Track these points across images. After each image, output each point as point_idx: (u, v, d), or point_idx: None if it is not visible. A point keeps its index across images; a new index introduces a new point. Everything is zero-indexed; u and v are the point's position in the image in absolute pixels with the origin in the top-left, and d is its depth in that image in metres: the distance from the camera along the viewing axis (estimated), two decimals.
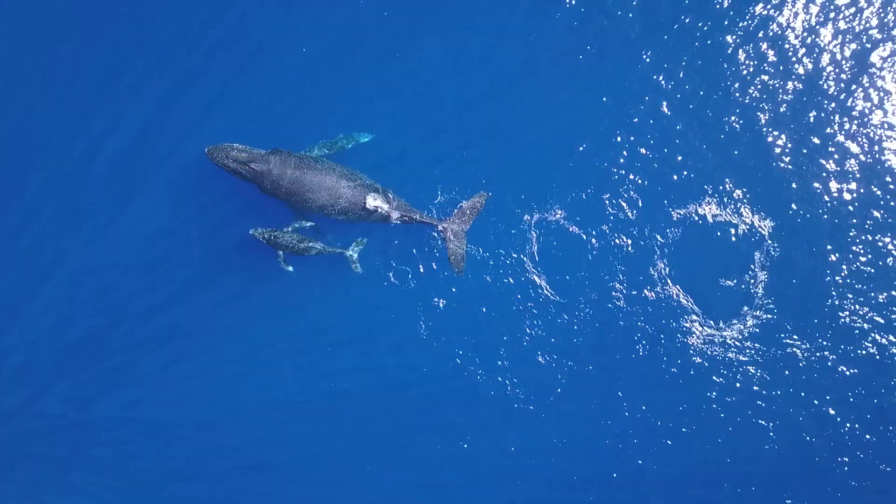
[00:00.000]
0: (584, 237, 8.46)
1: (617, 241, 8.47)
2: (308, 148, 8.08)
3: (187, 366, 8.70)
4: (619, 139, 8.50)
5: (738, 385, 8.49)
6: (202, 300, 8.62)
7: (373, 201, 7.75)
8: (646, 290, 8.48)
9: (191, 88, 8.43)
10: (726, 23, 8.46)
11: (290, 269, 8.15)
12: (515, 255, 8.47)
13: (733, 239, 8.45)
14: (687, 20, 8.47)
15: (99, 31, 8.44)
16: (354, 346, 8.65)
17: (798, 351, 8.43)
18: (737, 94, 8.47)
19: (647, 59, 8.48)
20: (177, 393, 8.70)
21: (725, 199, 8.44)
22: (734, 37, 8.45)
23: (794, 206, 8.43)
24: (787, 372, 8.47)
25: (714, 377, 8.51)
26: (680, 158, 8.47)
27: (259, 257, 8.38)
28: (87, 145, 8.45)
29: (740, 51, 8.46)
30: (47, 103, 8.44)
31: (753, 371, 8.47)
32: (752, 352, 8.47)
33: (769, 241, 8.42)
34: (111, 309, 8.61)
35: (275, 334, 8.64)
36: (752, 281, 8.45)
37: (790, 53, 8.44)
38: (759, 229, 8.42)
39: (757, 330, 8.45)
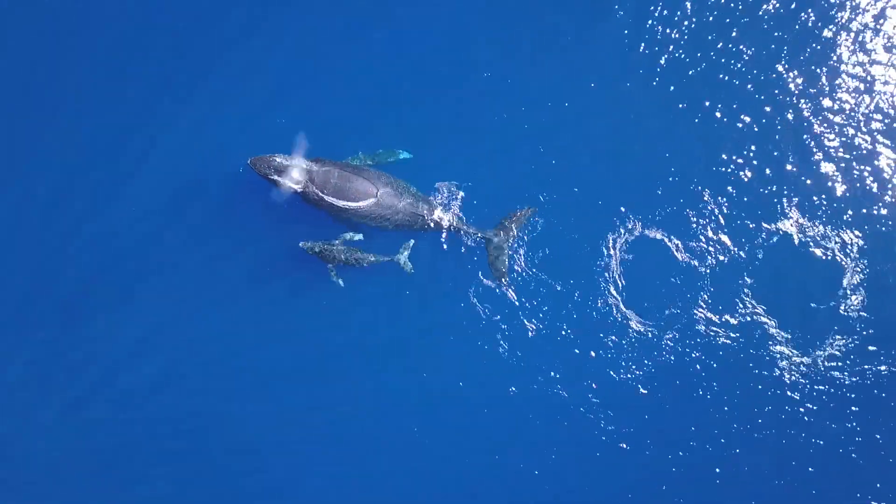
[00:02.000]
0: (666, 254, 8.15)
1: (699, 260, 8.15)
2: (351, 157, 8.01)
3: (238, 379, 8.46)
4: (699, 152, 8.26)
5: (826, 414, 8.08)
6: (250, 308, 8.43)
7: (426, 210, 7.71)
8: (731, 314, 8.14)
9: (234, 98, 8.42)
10: (815, 31, 8.26)
11: (341, 282, 8.00)
12: (593, 275, 8.18)
13: (823, 257, 8.09)
14: (772, 31, 8.29)
15: (142, 43, 8.46)
16: (430, 360, 8.39)
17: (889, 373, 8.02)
18: (827, 108, 8.20)
19: (728, 72, 8.26)
20: (223, 399, 8.47)
21: (813, 215, 8.12)
22: (825, 48, 8.23)
23: (888, 222, 8.08)
24: (883, 394, 8.03)
25: (802, 402, 8.12)
26: (768, 172, 8.20)
27: (309, 269, 8.18)
28: (133, 157, 8.42)
29: (835, 62, 8.22)
30: (94, 118, 8.42)
31: (844, 398, 8.05)
32: (842, 378, 8.06)
33: (859, 260, 8.05)
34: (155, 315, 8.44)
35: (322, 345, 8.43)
36: (842, 303, 8.07)
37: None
38: (850, 248, 8.06)
39: (848, 355, 8.05)
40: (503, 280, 8.01)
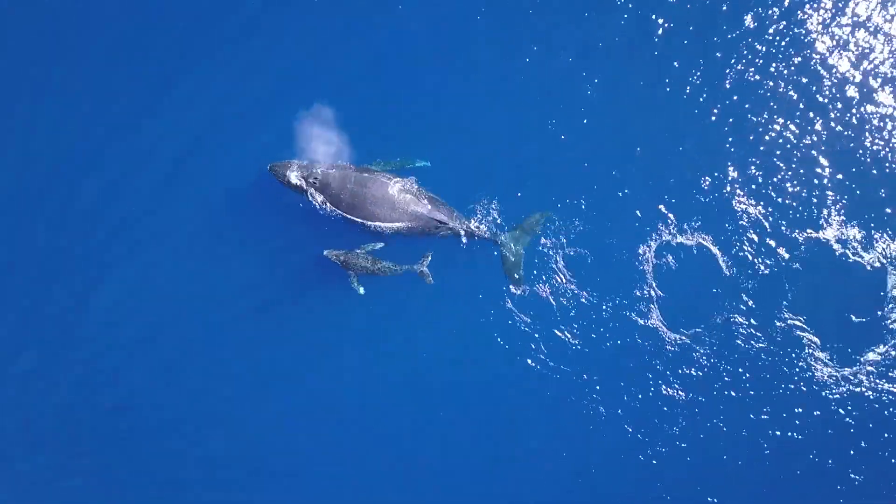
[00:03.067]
0: (702, 262, 8.03)
1: (737, 267, 8.02)
2: (369, 164, 7.99)
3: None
4: (737, 159, 8.11)
5: (866, 423, 7.97)
6: (272, 314, 8.43)
7: (442, 215, 7.69)
8: (769, 323, 8.01)
9: (255, 104, 8.41)
10: (854, 35, 8.09)
11: (361, 290, 7.97)
12: (630, 282, 8.08)
13: (865, 266, 7.95)
14: (809, 34, 8.12)
15: (158, 50, 8.44)
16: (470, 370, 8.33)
17: None
18: (870, 114, 8.03)
19: (766, 75, 8.11)
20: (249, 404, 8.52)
21: (854, 223, 7.97)
22: (864, 52, 8.06)
23: None
24: None
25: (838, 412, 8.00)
26: (808, 178, 8.05)
27: (330, 276, 8.20)
28: (156, 163, 8.42)
29: (876, 66, 8.04)
30: (112, 117, 8.40)
31: (884, 408, 7.94)
32: (882, 388, 7.93)
33: None
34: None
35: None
36: (884, 313, 7.93)
37: None
38: (892, 257, 7.92)
39: (890, 367, 7.92)
40: (518, 284, 7.98)
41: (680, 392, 8.10)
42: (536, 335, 8.11)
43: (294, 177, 7.69)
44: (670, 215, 8.06)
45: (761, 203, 8.04)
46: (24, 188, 8.39)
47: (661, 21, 8.16)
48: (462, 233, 7.82)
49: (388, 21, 8.39)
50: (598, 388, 8.14)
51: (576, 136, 8.19)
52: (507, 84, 8.31)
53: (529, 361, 8.13)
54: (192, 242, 8.40)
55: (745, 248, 8.02)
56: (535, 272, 8.10)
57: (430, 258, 7.91)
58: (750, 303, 8.00)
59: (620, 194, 8.13)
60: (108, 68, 8.38)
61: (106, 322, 8.44)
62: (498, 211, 8.04)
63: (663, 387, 8.10)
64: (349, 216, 7.76)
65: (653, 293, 8.04)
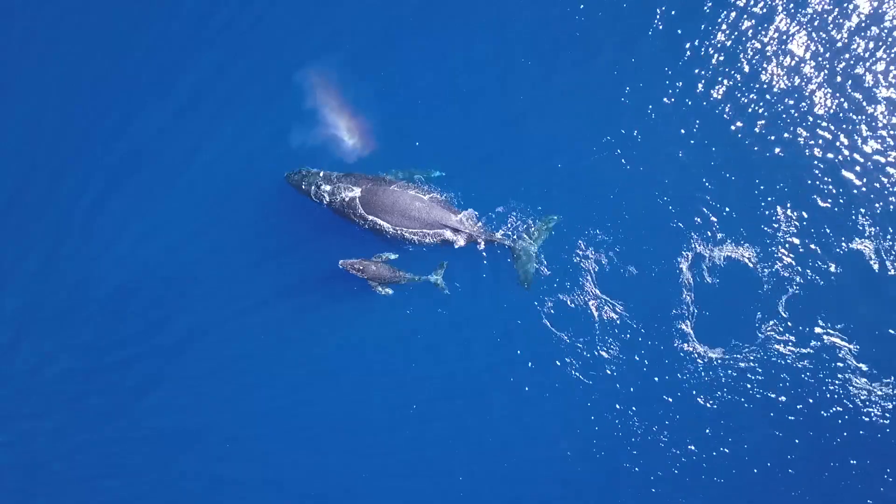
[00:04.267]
0: (739, 273, 7.91)
1: (773, 279, 7.89)
2: (385, 173, 8.09)
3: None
4: (772, 170, 8.01)
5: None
6: (287, 319, 8.59)
7: (455, 222, 7.73)
8: (806, 336, 7.83)
9: (272, 113, 8.59)
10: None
11: (389, 291, 8.06)
12: (665, 292, 8.02)
13: None
14: (849, 47, 8.03)
15: (179, 62, 8.71)
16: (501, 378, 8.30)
17: None
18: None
19: (805, 81, 8.04)
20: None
21: (890, 235, 7.76)
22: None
23: None
24: None
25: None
26: (845, 190, 7.89)
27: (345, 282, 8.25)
28: (175, 168, 8.68)
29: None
30: (136, 124, 8.69)
31: None
32: None
33: None
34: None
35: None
36: None
37: None
38: None
39: None
40: (529, 286, 8.00)
41: (713, 404, 7.94)
42: (573, 347, 8.09)
43: (306, 184, 7.89)
44: (713, 218, 7.98)
45: (797, 214, 7.91)
46: (57, 195, 8.71)
47: (692, 32, 8.18)
48: (475, 239, 7.87)
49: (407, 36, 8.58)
50: (630, 400, 8.07)
51: (607, 144, 8.19)
52: (538, 91, 8.34)
53: (574, 373, 8.09)
54: (205, 247, 8.62)
55: (780, 260, 7.89)
56: (567, 283, 8.08)
57: (444, 268, 7.99)
58: (785, 315, 7.85)
59: (659, 201, 8.09)
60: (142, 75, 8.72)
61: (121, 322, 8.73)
62: (519, 216, 8.11)
63: (699, 398, 7.96)
64: (362, 224, 7.87)
65: (688, 305, 7.94)
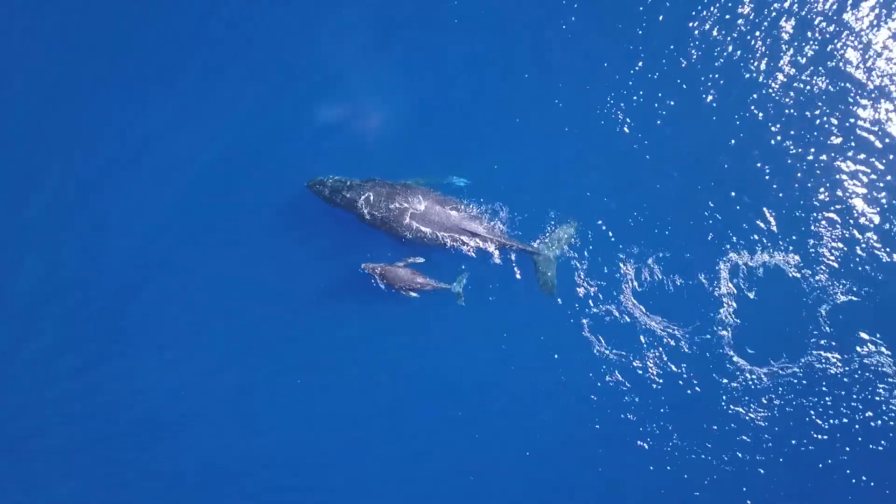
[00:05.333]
0: (780, 284, 7.74)
1: (816, 291, 7.72)
2: (406, 179, 8.00)
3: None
4: (810, 177, 7.78)
5: None
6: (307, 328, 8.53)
7: (475, 227, 7.70)
8: (849, 350, 7.69)
9: (296, 119, 8.45)
10: None
11: (413, 294, 7.92)
12: (704, 303, 7.87)
13: None
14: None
15: (202, 68, 8.54)
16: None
17: None
18: None
19: (843, 88, 7.78)
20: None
21: None
22: None
23: None
24: None
25: None
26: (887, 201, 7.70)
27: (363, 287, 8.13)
28: (194, 172, 8.55)
29: None
30: (160, 131, 8.53)
31: None
32: None
33: None
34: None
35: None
36: None
37: None
38: None
39: None
40: (552, 293, 7.93)
41: (755, 418, 7.87)
42: (613, 359, 7.98)
43: (329, 191, 7.87)
44: (760, 224, 7.82)
45: (839, 224, 7.72)
46: (92, 201, 8.60)
47: (732, 36, 7.89)
48: (494, 247, 7.80)
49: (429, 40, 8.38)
50: (668, 415, 7.98)
51: (642, 150, 7.99)
52: (575, 95, 8.10)
53: (613, 380, 8.00)
54: (223, 255, 8.52)
55: (823, 270, 7.70)
56: (601, 295, 7.94)
57: (466, 278, 7.87)
58: (828, 330, 7.69)
59: (707, 212, 7.90)
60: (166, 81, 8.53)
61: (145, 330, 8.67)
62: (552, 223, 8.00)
63: (740, 411, 7.87)
64: (384, 228, 7.83)
65: (728, 317, 7.80)
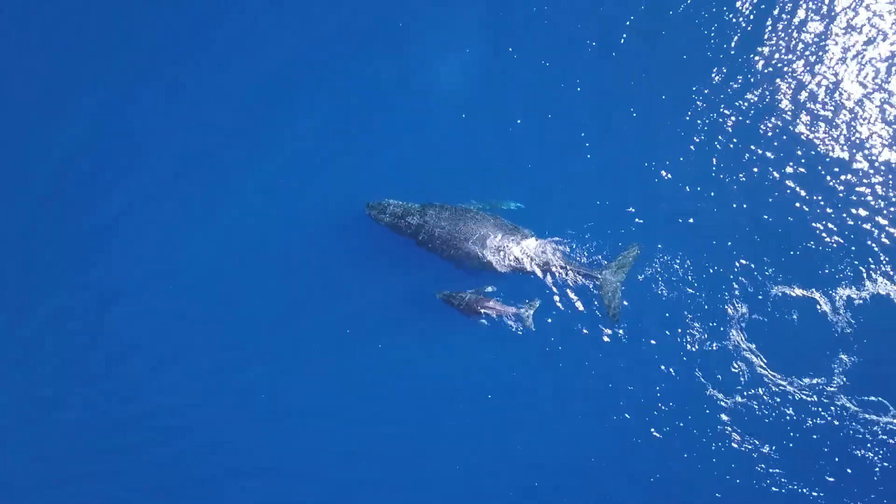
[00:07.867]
0: (801, 313, 7.93)
1: (836, 320, 7.91)
2: (463, 204, 8.07)
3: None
4: (835, 203, 7.99)
5: None
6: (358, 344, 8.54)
7: (537, 252, 7.80)
8: (868, 382, 7.87)
9: (351, 145, 8.54)
10: None
11: (485, 322, 7.95)
12: (726, 329, 8.03)
13: None
14: None
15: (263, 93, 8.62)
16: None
17: None
18: None
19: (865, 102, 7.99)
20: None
21: None
22: None
23: None
24: None
25: None
26: None
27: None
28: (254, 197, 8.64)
29: None
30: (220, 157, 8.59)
31: None
32: None
33: None
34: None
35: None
36: None
37: None
38: None
39: None
40: (617, 318, 8.00)
41: (786, 450, 7.98)
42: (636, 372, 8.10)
43: (388, 216, 7.92)
44: (764, 264, 8.01)
45: (856, 252, 7.92)
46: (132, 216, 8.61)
47: (778, 55, 8.06)
48: (555, 269, 7.87)
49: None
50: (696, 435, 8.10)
51: (676, 175, 8.18)
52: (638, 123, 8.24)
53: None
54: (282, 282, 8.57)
55: (840, 300, 7.91)
56: (639, 316, 8.08)
57: (536, 307, 7.95)
58: (854, 359, 7.90)
59: (752, 236, 8.06)
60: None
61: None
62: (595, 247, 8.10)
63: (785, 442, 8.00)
64: (444, 254, 7.89)
65: (749, 346, 7.99)
